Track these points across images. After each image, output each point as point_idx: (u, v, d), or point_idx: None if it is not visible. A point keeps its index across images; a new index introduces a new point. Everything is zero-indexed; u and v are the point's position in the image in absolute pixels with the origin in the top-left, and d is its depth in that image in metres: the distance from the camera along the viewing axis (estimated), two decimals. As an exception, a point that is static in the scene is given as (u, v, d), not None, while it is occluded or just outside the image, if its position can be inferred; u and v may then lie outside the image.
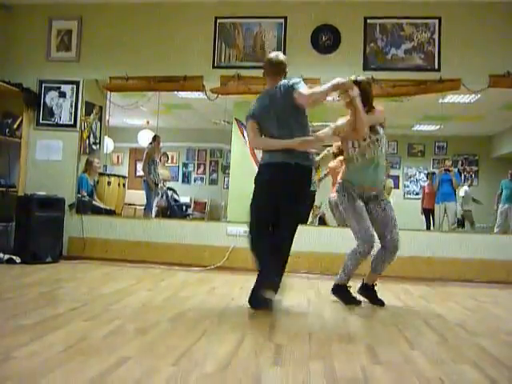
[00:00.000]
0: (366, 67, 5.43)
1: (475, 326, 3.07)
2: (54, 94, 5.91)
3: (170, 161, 8.88)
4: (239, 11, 5.70)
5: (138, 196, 7.56)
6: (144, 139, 8.07)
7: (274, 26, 5.63)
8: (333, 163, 6.04)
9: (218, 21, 5.72)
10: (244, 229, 5.52)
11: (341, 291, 3.67)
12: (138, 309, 3.19)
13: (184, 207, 8.11)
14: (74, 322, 2.73)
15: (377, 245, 3.62)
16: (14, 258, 5.12)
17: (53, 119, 5.90)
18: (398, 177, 8.45)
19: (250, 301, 3.32)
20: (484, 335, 2.82)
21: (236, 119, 6.91)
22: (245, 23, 5.69)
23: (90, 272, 4.85)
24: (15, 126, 5.75)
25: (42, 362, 2.00)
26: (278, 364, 2.12)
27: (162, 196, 7.45)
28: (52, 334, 2.42)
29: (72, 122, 5.88)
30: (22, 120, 5.79)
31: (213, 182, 9.33)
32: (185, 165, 9.51)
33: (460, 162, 8.36)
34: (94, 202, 6.22)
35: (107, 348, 2.25)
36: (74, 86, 5.89)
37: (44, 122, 5.91)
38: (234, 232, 5.56)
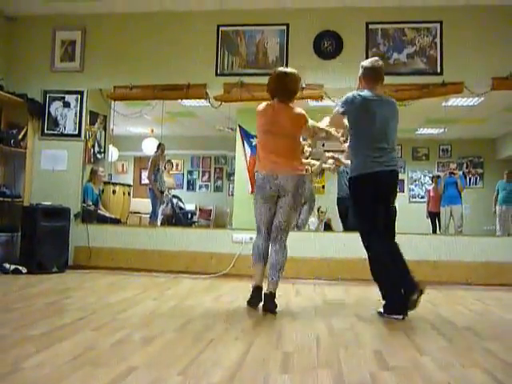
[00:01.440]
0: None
1: (483, 330, 3.05)
2: (58, 104, 5.95)
3: (174, 168, 8.88)
4: (241, 19, 5.73)
5: (143, 204, 7.57)
6: (148, 147, 8.09)
7: (276, 32, 5.66)
8: None
9: (221, 29, 5.75)
10: (249, 235, 5.57)
11: None
12: (144, 318, 3.19)
13: (189, 215, 8.11)
14: (81, 331, 2.73)
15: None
16: (19, 268, 5.13)
17: (57, 129, 5.93)
18: (402, 181, 8.43)
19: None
20: (492, 339, 2.81)
21: (240, 126, 6.92)
22: (247, 31, 5.71)
23: (96, 281, 4.86)
24: (20, 137, 5.78)
25: (50, 373, 2.00)
26: (286, 372, 2.11)
27: (167, 204, 7.45)
28: (59, 344, 2.43)
29: (76, 132, 5.91)
30: (26, 130, 5.82)
31: (218, 189, 9.32)
32: (189, 172, 9.51)
33: (465, 165, 8.32)
34: (99, 211, 6.24)
35: (115, 357, 2.24)
36: (78, 96, 5.93)
37: (49, 132, 5.95)
38: (240, 239, 5.56)
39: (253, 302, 3.60)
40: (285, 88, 3.64)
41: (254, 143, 6.84)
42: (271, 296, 3.48)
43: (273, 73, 3.75)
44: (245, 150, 6.90)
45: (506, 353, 2.49)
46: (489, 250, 5.28)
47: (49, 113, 5.94)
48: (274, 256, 3.59)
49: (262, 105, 3.73)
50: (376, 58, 3.80)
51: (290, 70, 3.75)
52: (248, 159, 6.88)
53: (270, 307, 3.43)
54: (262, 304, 3.52)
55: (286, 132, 3.61)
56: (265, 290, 3.55)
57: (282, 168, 3.57)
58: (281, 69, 3.80)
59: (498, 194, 7.55)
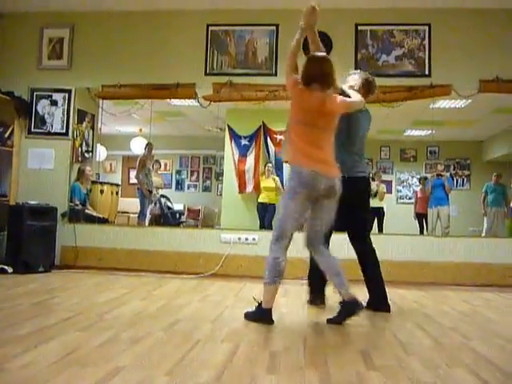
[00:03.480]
0: (357, 73, 5.47)
1: (469, 330, 3.08)
2: (45, 102, 5.90)
3: (163, 168, 8.87)
4: (231, 19, 5.72)
5: (131, 204, 7.53)
6: (137, 147, 8.06)
7: (265, 33, 5.66)
8: None
9: (210, 28, 5.74)
10: (237, 235, 5.57)
11: None
12: (132, 318, 3.17)
13: (177, 214, 8.08)
14: (68, 331, 2.71)
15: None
16: (5, 267, 5.08)
17: (44, 127, 5.88)
18: (390, 182, 8.48)
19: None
20: (478, 339, 2.83)
21: (229, 126, 6.92)
22: (237, 31, 5.71)
23: (83, 281, 4.82)
24: (6, 135, 5.74)
25: (36, 373, 1.98)
26: (273, 372, 2.11)
27: (155, 204, 7.43)
28: (45, 345, 2.41)
29: (64, 131, 5.87)
30: (13, 128, 5.77)
31: (206, 188, 9.31)
32: (178, 172, 9.49)
33: (452, 167, 8.40)
34: (86, 211, 6.20)
35: (101, 358, 2.23)
36: (66, 95, 5.89)
37: (36, 130, 5.90)
38: (228, 239, 5.56)
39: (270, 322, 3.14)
40: (324, 72, 3.15)
41: (242, 144, 6.85)
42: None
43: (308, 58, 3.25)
44: (233, 151, 6.91)
45: (492, 353, 2.52)
46: (475, 250, 5.32)
47: (36, 111, 5.89)
48: (333, 262, 3.24)
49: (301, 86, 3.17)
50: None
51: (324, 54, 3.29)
52: (236, 160, 6.88)
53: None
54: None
55: (331, 126, 3.21)
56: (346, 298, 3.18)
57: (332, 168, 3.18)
58: (315, 53, 3.31)
59: (486, 196, 7.63)
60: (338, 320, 3.15)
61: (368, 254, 3.69)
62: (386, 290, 3.65)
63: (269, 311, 3.13)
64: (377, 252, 3.69)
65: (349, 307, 3.14)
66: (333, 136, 3.24)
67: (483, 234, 7.13)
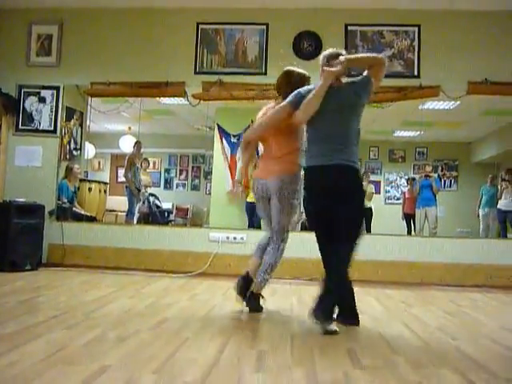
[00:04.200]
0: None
1: (455, 330, 3.10)
2: (33, 99, 5.85)
3: (152, 167, 8.85)
4: (221, 17, 5.71)
5: (119, 202, 7.51)
6: (126, 145, 8.03)
7: (255, 32, 5.66)
8: None
9: (200, 27, 5.72)
10: (226, 234, 5.56)
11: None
12: (119, 316, 3.15)
13: (166, 213, 8.07)
14: (55, 330, 2.69)
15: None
16: (-8, 265, 5.04)
17: (32, 125, 5.83)
18: (379, 182, 8.54)
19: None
20: (464, 339, 2.85)
21: (218, 125, 6.92)
22: (227, 29, 5.70)
23: (70, 279, 4.79)
24: (-6, 132, 5.68)
25: (21, 372, 1.96)
26: (260, 371, 2.12)
27: (143, 202, 7.41)
28: (31, 343, 2.39)
29: (52, 128, 5.82)
30: (0, 125, 5.71)
31: (195, 187, 9.31)
32: (167, 170, 9.48)
33: (440, 168, 8.47)
34: (74, 209, 6.17)
35: (88, 356, 2.22)
36: (54, 92, 5.84)
37: (23, 127, 5.84)
38: (217, 238, 5.55)
39: (234, 286, 3.44)
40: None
41: (232, 141, 6.84)
42: (252, 295, 3.40)
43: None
44: (224, 149, 6.90)
45: (478, 353, 2.54)
46: (463, 251, 5.36)
47: (23, 108, 5.84)
48: (264, 256, 3.50)
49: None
50: None
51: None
52: (229, 158, 6.86)
53: (249, 306, 3.41)
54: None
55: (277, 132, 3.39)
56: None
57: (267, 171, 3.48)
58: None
59: (482, 198, 7.71)
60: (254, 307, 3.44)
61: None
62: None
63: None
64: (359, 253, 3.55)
65: (254, 299, 3.42)
66: (285, 137, 3.39)
67: (481, 234, 7.21)
